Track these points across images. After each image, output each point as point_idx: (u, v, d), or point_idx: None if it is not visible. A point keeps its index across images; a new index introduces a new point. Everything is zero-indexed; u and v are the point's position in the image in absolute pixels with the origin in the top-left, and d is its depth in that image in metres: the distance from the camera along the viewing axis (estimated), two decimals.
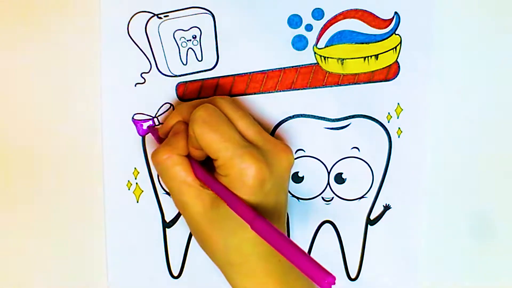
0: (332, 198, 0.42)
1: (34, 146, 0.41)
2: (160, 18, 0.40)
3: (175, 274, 0.43)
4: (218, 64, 0.41)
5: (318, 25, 0.41)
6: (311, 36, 0.41)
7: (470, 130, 0.42)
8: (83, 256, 0.42)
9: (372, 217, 0.43)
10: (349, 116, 0.42)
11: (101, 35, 0.40)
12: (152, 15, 0.40)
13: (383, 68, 0.41)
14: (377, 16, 0.41)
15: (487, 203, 0.43)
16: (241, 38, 0.40)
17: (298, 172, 0.42)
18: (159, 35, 0.40)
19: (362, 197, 0.43)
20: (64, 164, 0.41)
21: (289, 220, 0.42)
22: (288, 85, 0.41)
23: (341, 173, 0.42)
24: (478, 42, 0.42)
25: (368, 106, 0.42)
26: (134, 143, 0.41)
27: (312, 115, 0.41)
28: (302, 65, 0.41)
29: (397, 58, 0.41)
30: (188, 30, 0.40)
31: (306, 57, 0.41)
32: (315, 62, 0.41)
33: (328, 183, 0.42)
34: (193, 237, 0.42)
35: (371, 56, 0.41)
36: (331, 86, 0.41)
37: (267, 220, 0.32)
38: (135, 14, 0.40)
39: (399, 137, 0.42)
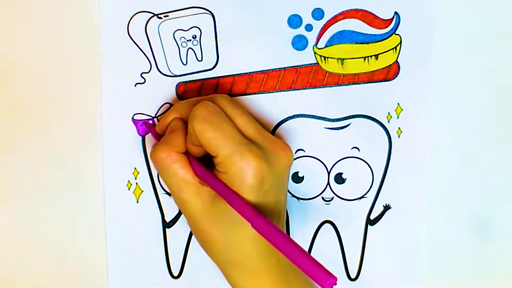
0: (332, 198, 0.42)
1: (34, 146, 0.41)
2: (160, 18, 0.40)
3: (175, 274, 0.43)
4: (218, 64, 0.41)
5: (318, 25, 0.41)
6: (311, 36, 0.41)
7: (470, 130, 0.42)
8: (83, 256, 0.42)
9: (372, 217, 0.43)
10: (349, 116, 0.42)
11: (101, 35, 0.40)
12: (152, 15, 0.40)
13: (383, 68, 0.41)
14: (377, 16, 0.41)
15: (487, 203, 0.43)
16: (241, 38, 0.40)
17: (298, 172, 0.42)
18: (159, 35, 0.40)
19: (362, 197, 0.43)
20: (64, 164, 0.41)
21: (289, 220, 0.42)
22: (288, 85, 0.41)
23: (341, 173, 0.42)
24: (478, 42, 0.42)
25: (368, 106, 0.42)
26: (134, 143, 0.41)
27: (312, 115, 0.41)
28: (302, 65, 0.41)
29: (397, 58, 0.41)
30: (188, 30, 0.40)
31: (306, 57, 0.41)
32: (315, 62, 0.41)
33: (328, 183, 0.42)
34: (193, 237, 0.42)
35: (371, 56, 0.41)
36: (331, 86, 0.41)
37: (268, 219, 0.32)
38: (135, 14, 0.40)
39: (399, 137, 0.42)
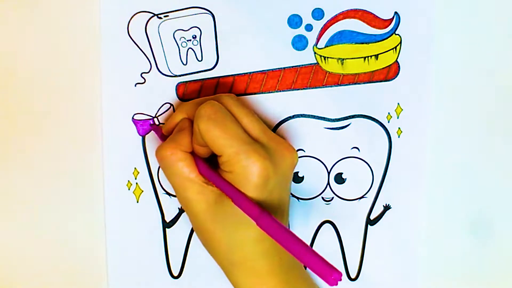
0: (332, 198, 0.42)
1: (34, 145, 0.41)
2: (160, 18, 0.40)
3: (175, 274, 0.43)
4: (218, 64, 0.41)
5: (318, 25, 0.41)
6: (311, 36, 0.41)
7: (470, 130, 0.42)
8: (83, 256, 0.42)
9: (372, 217, 0.43)
10: (349, 116, 0.42)
11: (101, 35, 0.40)
12: (152, 15, 0.40)
13: (383, 68, 0.41)
14: (377, 16, 0.41)
15: (487, 203, 0.43)
16: (241, 38, 0.40)
17: (298, 172, 0.42)
18: (159, 35, 0.40)
19: (362, 197, 0.43)
20: (64, 164, 0.41)
21: (289, 220, 0.42)
22: (288, 85, 0.41)
23: (341, 173, 0.42)
24: (478, 42, 0.42)
25: (368, 106, 0.42)
26: (134, 143, 0.41)
27: (312, 115, 0.41)
28: (302, 65, 0.41)
29: (397, 58, 0.41)
30: (188, 30, 0.40)
31: (306, 57, 0.41)
32: (315, 62, 0.41)
33: (328, 183, 0.42)
34: (193, 237, 0.42)
35: (371, 56, 0.41)
36: (331, 86, 0.41)
37: (273, 217, 0.33)
38: (135, 14, 0.40)
39: (399, 137, 0.42)
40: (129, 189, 0.41)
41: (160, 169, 0.41)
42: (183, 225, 0.42)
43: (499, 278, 0.44)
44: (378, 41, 0.41)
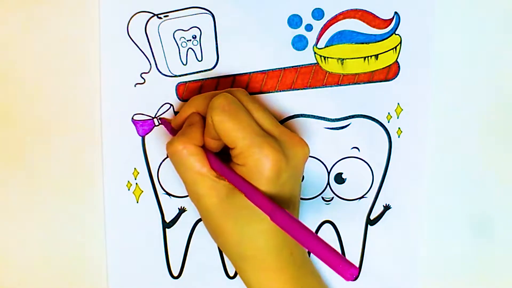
0: (332, 198, 0.42)
1: (34, 146, 0.41)
2: (160, 18, 0.40)
3: (175, 274, 0.43)
4: (218, 64, 0.41)
5: (318, 25, 0.41)
6: (311, 36, 0.41)
7: (470, 130, 0.42)
8: (83, 256, 0.42)
9: (372, 217, 0.43)
10: (349, 116, 0.42)
11: (101, 35, 0.40)
12: (152, 15, 0.40)
13: (383, 68, 0.41)
14: (377, 16, 0.41)
15: (487, 203, 0.43)
16: (241, 38, 0.40)
17: None
18: (159, 35, 0.40)
19: (362, 197, 0.43)
20: (64, 164, 0.41)
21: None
22: (288, 85, 0.41)
23: (341, 173, 0.42)
24: (478, 42, 0.42)
25: (368, 106, 0.42)
26: (134, 143, 0.41)
27: (312, 115, 0.41)
28: (302, 65, 0.41)
29: (397, 58, 0.41)
30: (188, 30, 0.40)
31: (306, 57, 0.41)
32: (315, 62, 0.41)
33: (328, 183, 0.42)
34: (193, 237, 0.42)
35: (371, 56, 0.41)
36: (331, 86, 0.41)
37: (287, 211, 0.32)
38: (135, 14, 0.40)
39: (399, 137, 0.42)
40: (129, 190, 0.41)
41: (160, 169, 0.41)
42: (183, 225, 0.42)
43: (499, 278, 0.44)
44: (378, 41, 0.41)
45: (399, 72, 0.41)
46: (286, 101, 0.41)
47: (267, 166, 0.34)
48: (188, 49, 0.40)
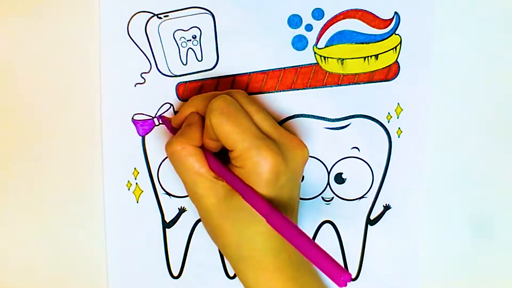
0: (332, 198, 0.42)
1: (34, 146, 0.41)
2: (160, 18, 0.40)
3: (175, 274, 0.43)
4: (218, 64, 0.41)
5: (318, 25, 0.41)
6: (311, 36, 0.41)
7: (470, 130, 0.42)
8: (83, 256, 0.42)
9: (372, 217, 0.43)
10: (349, 116, 0.42)
11: (101, 35, 0.40)
12: (152, 15, 0.40)
13: (383, 68, 0.41)
14: (377, 16, 0.41)
15: (487, 203, 0.43)
16: (241, 38, 0.40)
17: None
18: (159, 35, 0.40)
19: (362, 197, 0.43)
20: (64, 164, 0.41)
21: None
22: (288, 85, 0.41)
23: (341, 173, 0.42)
24: (478, 42, 0.42)
25: (368, 106, 0.42)
26: (134, 143, 0.41)
27: (312, 115, 0.41)
28: (302, 65, 0.41)
29: (397, 58, 0.41)
30: (188, 30, 0.40)
31: (306, 57, 0.41)
32: (315, 62, 0.41)
33: (328, 183, 0.42)
34: (193, 237, 0.42)
35: (371, 56, 0.41)
36: (331, 86, 0.41)
37: (283, 214, 0.32)
38: (135, 14, 0.40)
39: (399, 137, 0.42)
40: (129, 189, 0.41)
41: (160, 169, 0.41)
42: (183, 225, 0.42)
43: (499, 278, 0.44)
44: (378, 41, 0.41)
45: (399, 72, 0.41)
46: (286, 101, 0.41)
47: (266, 169, 0.34)
48: (188, 49, 0.40)
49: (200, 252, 0.42)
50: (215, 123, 0.34)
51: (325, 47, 0.41)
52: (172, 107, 0.41)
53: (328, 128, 0.42)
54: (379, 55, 0.41)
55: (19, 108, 0.41)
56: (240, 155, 0.34)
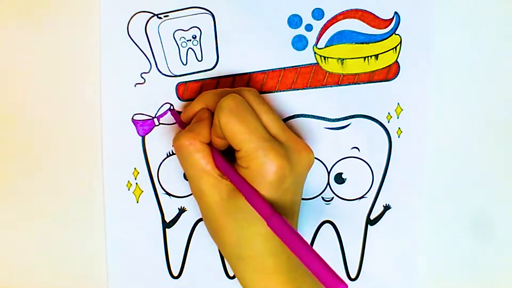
0: (332, 198, 0.42)
1: (34, 146, 0.41)
2: (160, 18, 0.40)
3: (175, 274, 0.43)
4: (218, 64, 0.41)
5: (318, 25, 0.41)
6: (311, 36, 0.41)
7: (470, 130, 0.42)
8: (83, 256, 0.42)
9: (372, 217, 0.43)
10: (349, 116, 0.42)
11: (101, 35, 0.40)
12: (152, 15, 0.40)
13: (383, 68, 0.41)
14: (377, 16, 0.41)
15: (487, 203, 0.43)
16: (241, 38, 0.40)
17: None
18: (159, 35, 0.40)
19: (362, 197, 0.43)
20: (64, 164, 0.41)
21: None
22: (288, 85, 0.41)
23: (341, 173, 0.42)
24: (478, 42, 0.42)
25: (368, 106, 0.42)
26: (134, 143, 0.41)
27: (312, 115, 0.41)
28: (302, 65, 0.41)
29: (397, 58, 0.41)
30: (188, 30, 0.40)
31: (306, 57, 0.41)
32: (315, 62, 0.41)
33: (328, 183, 0.42)
34: (193, 237, 0.42)
35: (371, 56, 0.41)
36: (331, 86, 0.41)
37: (284, 218, 0.32)
38: (135, 14, 0.40)
39: (399, 137, 0.42)
40: (129, 190, 0.41)
41: (160, 169, 0.41)
42: (183, 225, 0.42)
43: (499, 278, 0.44)
44: (378, 41, 0.41)
45: (399, 72, 0.41)
46: (286, 101, 0.41)
47: (271, 171, 0.34)
48: (188, 49, 0.40)
49: (200, 252, 0.42)
50: (224, 122, 0.34)
51: (325, 47, 0.41)
52: (172, 107, 0.41)
53: (328, 128, 0.42)
54: (379, 55, 0.41)
55: (19, 108, 0.41)
56: (247, 155, 0.34)
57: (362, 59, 0.41)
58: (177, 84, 0.41)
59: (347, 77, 0.41)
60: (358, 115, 0.42)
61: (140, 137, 0.41)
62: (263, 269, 0.36)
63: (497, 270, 0.44)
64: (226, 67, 0.41)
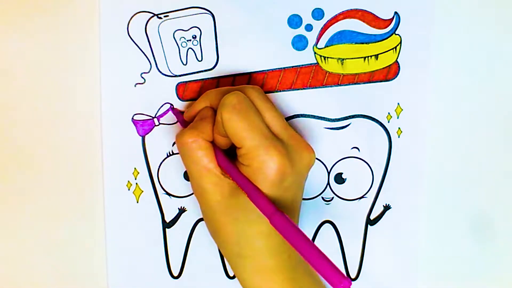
0: (332, 198, 0.42)
1: (34, 146, 0.41)
2: (160, 18, 0.40)
3: (175, 274, 0.43)
4: (218, 64, 0.41)
5: (318, 25, 0.41)
6: (311, 36, 0.41)
7: (469, 130, 0.42)
8: (83, 256, 0.42)
9: (372, 217, 0.43)
10: (349, 116, 0.42)
11: (100, 35, 0.40)
12: (152, 15, 0.40)
13: (383, 68, 0.41)
14: (377, 16, 0.41)
15: (487, 203, 0.43)
16: (241, 38, 0.40)
17: None
18: (159, 35, 0.40)
19: (362, 197, 0.43)
20: (64, 164, 0.41)
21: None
22: (288, 85, 0.41)
23: (341, 173, 0.42)
24: (478, 42, 0.42)
25: (368, 106, 0.42)
26: (134, 143, 0.41)
27: (312, 115, 0.41)
28: (302, 65, 0.41)
29: (397, 58, 0.41)
30: (188, 30, 0.40)
31: (306, 57, 0.41)
32: (315, 62, 0.41)
33: (328, 183, 0.42)
34: (193, 237, 0.42)
35: (371, 56, 0.41)
36: (331, 86, 0.41)
37: (287, 216, 0.32)
38: (135, 14, 0.40)
39: (399, 137, 0.42)
40: (129, 190, 0.41)
41: (160, 169, 0.41)
42: (183, 225, 0.42)
43: (499, 278, 0.44)
44: (378, 41, 0.41)
45: (399, 72, 0.41)
46: (286, 101, 0.41)
47: (272, 169, 0.34)
48: (188, 49, 0.40)
49: (200, 252, 0.42)
50: (226, 119, 0.34)
51: (325, 47, 0.41)
52: (172, 107, 0.41)
53: (328, 128, 0.42)
54: (379, 55, 0.41)
55: (19, 108, 0.41)
56: (248, 153, 0.34)
57: (362, 59, 0.41)
58: (177, 84, 0.41)
59: (347, 77, 0.41)
60: (358, 115, 0.42)
61: (140, 137, 0.41)
62: (263, 269, 0.36)
63: (497, 270, 0.44)
64: (226, 67, 0.41)
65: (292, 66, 0.41)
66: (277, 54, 0.41)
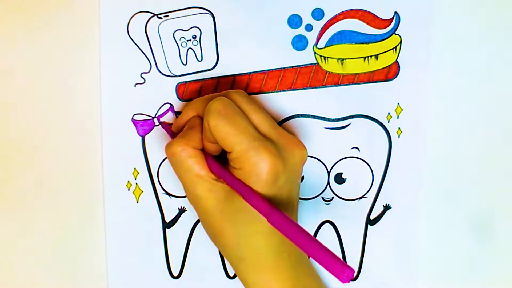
0: (332, 198, 0.42)
1: (34, 146, 0.41)
2: (160, 18, 0.40)
3: (175, 274, 0.43)
4: (218, 64, 0.41)
5: (318, 25, 0.41)
6: (311, 36, 0.41)
7: (470, 130, 0.42)
8: (83, 256, 0.42)
9: (372, 217, 0.43)
10: (349, 116, 0.42)
11: (100, 35, 0.40)
12: (152, 15, 0.40)
13: (383, 68, 0.41)
14: (377, 16, 0.41)
15: (487, 203, 0.43)
16: (241, 38, 0.40)
17: None
18: (159, 35, 0.40)
19: (362, 197, 0.43)
20: (64, 164, 0.41)
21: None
22: (288, 85, 0.41)
23: (341, 173, 0.42)
24: (478, 42, 0.42)
25: (368, 106, 0.42)
26: (134, 143, 0.41)
27: (312, 115, 0.41)
28: (302, 65, 0.41)
29: (397, 58, 0.41)
30: (188, 30, 0.40)
31: (306, 57, 0.41)
32: (315, 62, 0.41)
33: (328, 183, 0.42)
34: (193, 237, 0.42)
35: (371, 56, 0.41)
36: (331, 86, 0.41)
37: (284, 213, 0.32)
38: (135, 14, 0.40)
39: (399, 137, 0.42)
40: (129, 190, 0.41)
41: (160, 169, 0.41)
42: (183, 225, 0.42)
43: (499, 278, 0.44)
44: (378, 41, 0.41)
45: (399, 72, 0.41)
46: (286, 101, 0.41)
47: (264, 170, 0.34)
48: (188, 49, 0.40)
49: (200, 252, 0.42)
50: (213, 125, 0.34)
51: (325, 47, 0.41)
52: (172, 107, 0.41)
53: (328, 128, 0.42)
54: (379, 55, 0.41)
55: (19, 108, 0.41)
56: (238, 156, 0.34)
57: (362, 59, 0.41)
58: (177, 84, 0.41)
59: (347, 77, 0.41)
60: (358, 115, 0.42)
61: (140, 137, 0.41)
62: (264, 268, 0.36)
63: (497, 270, 0.44)
64: (226, 67, 0.41)
65: (292, 66, 0.41)
66: (277, 54, 0.41)
